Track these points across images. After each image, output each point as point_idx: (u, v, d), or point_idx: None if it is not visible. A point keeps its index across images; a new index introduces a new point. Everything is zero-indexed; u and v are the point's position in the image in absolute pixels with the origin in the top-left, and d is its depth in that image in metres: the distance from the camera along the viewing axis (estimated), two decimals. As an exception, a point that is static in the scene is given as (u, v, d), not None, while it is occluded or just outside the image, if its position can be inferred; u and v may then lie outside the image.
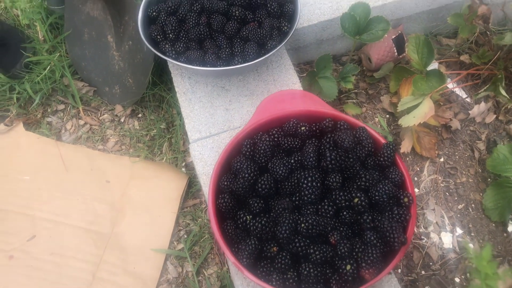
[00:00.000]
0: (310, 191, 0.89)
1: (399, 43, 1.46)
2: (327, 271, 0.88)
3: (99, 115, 1.53)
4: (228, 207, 0.92)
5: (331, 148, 0.95)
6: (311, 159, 0.92)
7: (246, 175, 0.92)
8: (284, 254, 0.88)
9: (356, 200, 0.89)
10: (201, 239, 1.27)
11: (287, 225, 0.87)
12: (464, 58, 1.49)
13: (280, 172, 0.92)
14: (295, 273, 0.88)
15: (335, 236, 0.88)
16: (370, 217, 0.89)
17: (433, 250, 1.25)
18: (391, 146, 0.94)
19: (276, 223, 0.89)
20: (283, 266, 0.87)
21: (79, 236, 1.26)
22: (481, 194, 1.33)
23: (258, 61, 1.13)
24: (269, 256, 0.89)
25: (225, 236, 0.91)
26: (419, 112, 1.27)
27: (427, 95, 1.28)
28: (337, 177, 0.91)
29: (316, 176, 0.90)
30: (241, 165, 0.95)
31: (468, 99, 1.49)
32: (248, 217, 0.91)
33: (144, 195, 1.33)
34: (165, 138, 1.45)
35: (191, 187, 1.35)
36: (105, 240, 1.26)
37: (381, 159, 0.94)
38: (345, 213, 0.90)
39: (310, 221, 0.86)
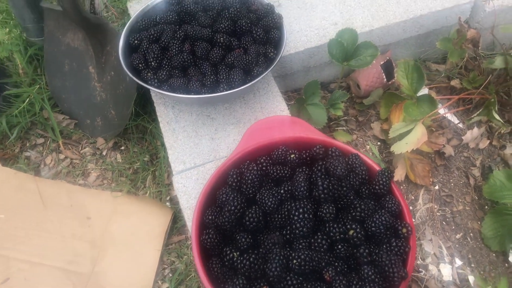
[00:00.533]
0: (301, 223, 0.81)
1: (388, 69, 1.41)
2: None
3: (80, 148, 1.45)
4: (213, 244, 0.84)
5: (323, 176, 0.88)
6: (302, 188, 0.85)
7: (232, 207, 0.84)
8: (275, 293, 0.80)
9: (351, 232, 0.82)
10: (187, 278, 1.18)
11: (277, 262, 0.79)
12: (455, 83, 1.45)
13: (269, 203, 0.85)
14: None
15: (330, 272, 0.80)
16: (367, 250, 0.81)
17: (432, 284, 1.18)
18: (386, 173, 0.87)
19: (265, 259, 0.82)
20: (274, 307, 0.79)
21: (56, 277, 1.17)
22: (479, 222, 1.26)
23: (244, 87, 1.07)
24: (259, 296, 0.81)
25: (210, 275, 0.83)
26: (411, 138, 1.21)
27: (419, 120, 1.23)
28: (331, 207, 0.83)
29: (308, 207, 0.83)
30: (227, 197, 0.87)
31: (460, 125, 1.44)
32: (235, 253, 0.83)
33: (127, 231, 1.25)
34: (148, 171, 1.38)
35: (176, 222, 1.27)
36: (85, 281, 1.17)
37: (376, 187, 0.87)
38: (340, 246, 0.83)
39: (302, 256, 0.79)
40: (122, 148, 1.45)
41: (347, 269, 0.84)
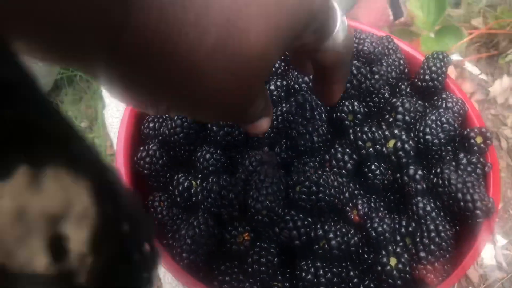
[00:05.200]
0: (310, 129, 0.46)
1: (394, 4, 1.10)
2: (351, 273, 0.43)
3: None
4: (155, 167, 0.48)
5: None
6: (305, 78, 0.50)
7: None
8: (265, 245, 0.43)
9: (392, 142, 0.47)
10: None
11: (268, 187, 0.43)
12: (477, 22, 1.14)
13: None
14: (288, 282, 0.43)
15: (359, 207, 0.45)
16: (420, 172, 0.46)
17: (471, 270, 0.85)
18: (440, 56, 0.53)
19: (247, 189, 0.46)
20: (263, 268, 0.42)
21: None
22: (522, 189, 0.95)
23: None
24: (236, 250, 0.44)
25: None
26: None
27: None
28: (356, 103, 0.49)
29: (318, 102, 0.48)
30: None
31: (483, 76, 1.13)
32: (193, 182, 0.47)
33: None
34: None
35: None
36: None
37: (426, 77, 0.52)
38: (373, 167, 0.47)
39: (313, 177, 0.43)
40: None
41: (385, 206, 0.48)
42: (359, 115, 0.48)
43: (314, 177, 0.44)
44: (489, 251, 0.88)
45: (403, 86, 0.53)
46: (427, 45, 0.94)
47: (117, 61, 0.21)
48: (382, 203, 0.48)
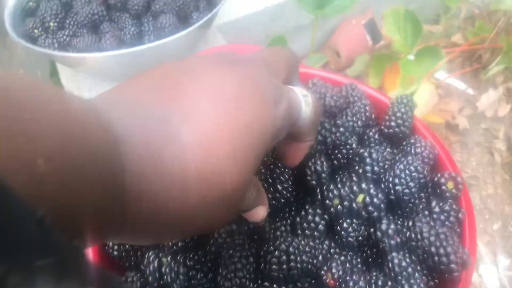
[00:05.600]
0: (271, 189, 0.46)
1: (372, 29, 1.10)
2: None
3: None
4: (125, 248, 0.47)
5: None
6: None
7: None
8: (239, 321, 0.43)
9: (361, 197, 0.46)
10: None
11: (238, 264, 0.42)
12: (457, 38, 1.14)
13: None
14: None
15: (333, 270, 0.44)
16: (392, 226, 0.45)
17: None
18: (405, 101, 0.52)
19: (217, 263, 0.45)
20: None
21: None
22: (522, 203, 0.93)
23: (179, 36, 0.73)
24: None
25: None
26: (417, 102, 0.89)
27: (423, 78, 0.91)
28: (321, 159, 0.48)
29: (280, 164, 0.47)
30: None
31: (470, 91, 1.12)
32: (164, 259, 0.46)
33: None
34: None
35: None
36: None
37: (392, 124, 0.52)
38: (345, 225, 0.46)
39: (283, 246, 0.42)
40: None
41: (361, 263, 0.47)
42: (325, 172, 0.47)
43: (283, 246, 0.43)
44: (492, 273, 0.86)
45: (371, 133, 0.53)
46: (407, 69, 0.93)
47: (123, 234, 0.25)
48: (359, 259, 0.47)
